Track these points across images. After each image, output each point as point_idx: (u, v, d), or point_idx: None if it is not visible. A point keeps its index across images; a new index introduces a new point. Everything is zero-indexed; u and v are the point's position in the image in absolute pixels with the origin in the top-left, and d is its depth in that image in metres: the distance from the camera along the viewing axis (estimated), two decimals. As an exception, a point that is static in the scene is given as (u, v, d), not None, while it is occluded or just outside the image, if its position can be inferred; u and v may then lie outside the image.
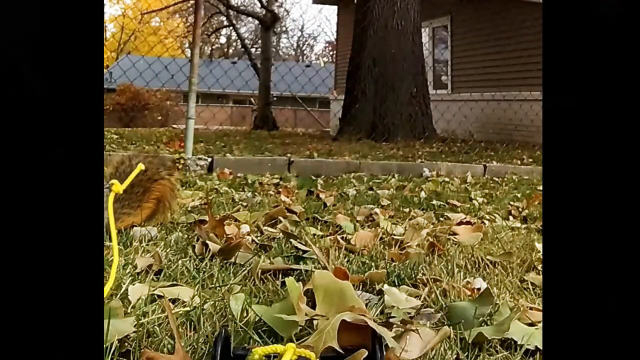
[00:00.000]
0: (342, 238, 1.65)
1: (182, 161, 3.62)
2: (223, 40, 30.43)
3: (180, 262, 1.28)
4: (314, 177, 3.57)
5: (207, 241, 1.43)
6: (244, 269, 1.27)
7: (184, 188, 2.69)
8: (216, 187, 2.81)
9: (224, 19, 18.36)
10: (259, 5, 15.33)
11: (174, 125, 13.04)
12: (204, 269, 1.25)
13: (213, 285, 1.14)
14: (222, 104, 17.52)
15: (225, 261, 1.33)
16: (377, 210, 2.15)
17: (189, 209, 2.05)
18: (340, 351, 0.75)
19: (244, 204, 2.29)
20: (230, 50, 30.74)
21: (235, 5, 17.54)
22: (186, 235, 1.58)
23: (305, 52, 34.02)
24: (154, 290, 1.04)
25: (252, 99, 17.81)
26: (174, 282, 1.14)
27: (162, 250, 1.37)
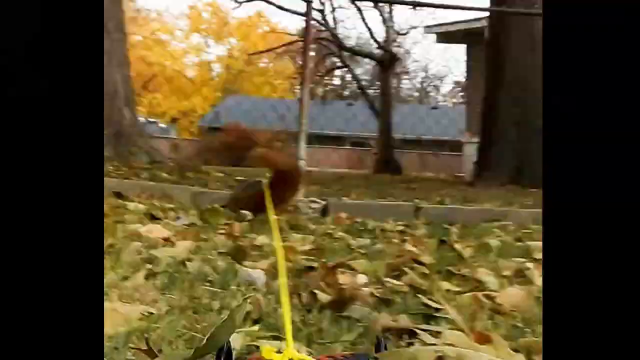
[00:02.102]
0: (484, 296, 1.49)
1: (293, 203, 3.65)
2: (337, 81, 31.33)
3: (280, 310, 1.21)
4: (446, 226, 3.40)
5: (316, 290, 1.36)
6: (360, 324, 1.17)
7: (293, 232, 2.68)
8: (330, 231, 2.76)
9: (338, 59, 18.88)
10: (376, 45, 15.63)
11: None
12: (311, 322, 1.17)
13: (322, 341, 1.05)
14: (338, 146, 17.84)
15: (337, 314, 1.25)
16: (530, 264, 1.95)
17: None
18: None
19: (362, 251, 2.21)
20: (346, 92, 31.52)
21: (350, 46, 17.91)
22: (292, 283, 1.52)
23: (430, 93, 33.97)
24: (251, 342, 0.98)
25: (371, 142, 17.98)
26: (276, 334, 1.07)
27: (263, 297, 1.32)
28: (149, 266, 1.51)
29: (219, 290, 1.34)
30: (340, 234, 2.71)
